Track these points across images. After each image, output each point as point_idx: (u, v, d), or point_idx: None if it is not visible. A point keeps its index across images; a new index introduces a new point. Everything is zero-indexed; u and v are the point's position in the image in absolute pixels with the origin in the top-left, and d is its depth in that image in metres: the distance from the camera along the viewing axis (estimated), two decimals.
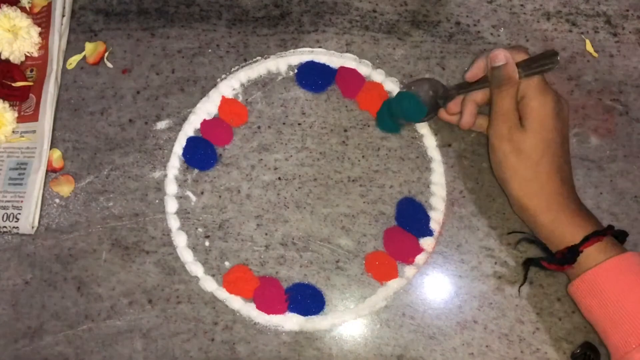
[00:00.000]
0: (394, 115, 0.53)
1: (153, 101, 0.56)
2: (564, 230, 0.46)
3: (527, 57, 0.48)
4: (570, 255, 0.46)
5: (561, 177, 0.47)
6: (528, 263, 0.50)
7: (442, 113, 0.53)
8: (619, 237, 0.48)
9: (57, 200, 0.53)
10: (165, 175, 0.54)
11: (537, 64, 0.48)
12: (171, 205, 0.53)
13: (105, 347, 0.50)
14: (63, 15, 0.58)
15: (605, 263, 0.44)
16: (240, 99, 0.56)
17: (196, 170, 0.54)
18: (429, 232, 0.52)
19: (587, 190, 0.53)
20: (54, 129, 0.55)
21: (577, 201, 0.48)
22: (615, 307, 0.43)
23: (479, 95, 0.51)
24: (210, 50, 0.57)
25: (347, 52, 0.57)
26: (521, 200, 0.48)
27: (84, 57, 0.57)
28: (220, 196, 0.53)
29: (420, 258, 0.51)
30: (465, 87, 0.51)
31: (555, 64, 0.47)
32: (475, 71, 0.50)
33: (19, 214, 0.52)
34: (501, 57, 0.47)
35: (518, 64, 0.48)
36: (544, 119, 0.47)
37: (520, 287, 0.50)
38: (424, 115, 0.52)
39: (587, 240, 0.45)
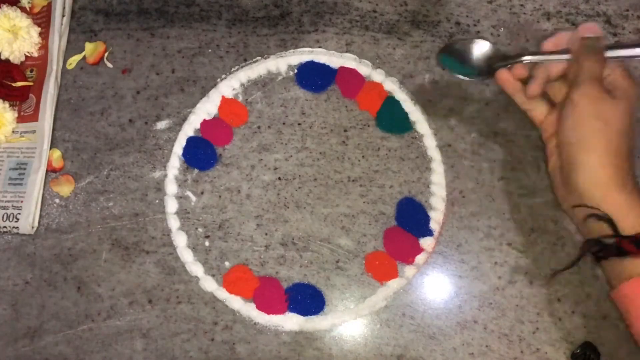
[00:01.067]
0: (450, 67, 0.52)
1: (153, 101, 0.56)
2: (629, 212, 0.42)
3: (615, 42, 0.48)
4: None
5: (632, 158, 0.44)
6: (589, 244, 0.44)
7: (503, 74, 0.49)
8: None
9: (57, 200, 0.53)
10: (165, 175, 0.54)
11: (626, 47, 0.46)
12: (171, 205, 0.53)
13: (105, 347, 0.50)
14: (63, 15, 0.58)
15: None
16: (240, 99, 0.56)
17: (196, 170, 0.54)
18: (429, 232, 0.52)
19: None
20: (54, 129, 0.55)
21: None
22: None
23: (554, 68, 0.48)
24: (210, 50, 0.57)
25: (347, 52, 0.57)
26: (595, 171, 0.43)
27: (84, 57, 0.57)
28: (220, 196, 0.53)
29: (420, 258, 0.51)
30: (536, 54, 0.48)
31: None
32: (557, 41, 0.48)
33: (19, 214, 0.52)
34: (596, 29, 0.46)
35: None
36: (633, 96, 0.45)
37: (563, 270, 0.47)
38: (473, 75, 0.51)
39: None
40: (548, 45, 0.48)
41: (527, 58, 0.48)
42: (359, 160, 0.54)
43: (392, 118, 0.55)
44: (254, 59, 0.57)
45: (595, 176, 0.43)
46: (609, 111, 0.44)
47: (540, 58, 0.48)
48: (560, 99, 0.48)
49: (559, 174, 0.47)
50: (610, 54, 0.46)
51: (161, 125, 0.55)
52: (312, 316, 0.50)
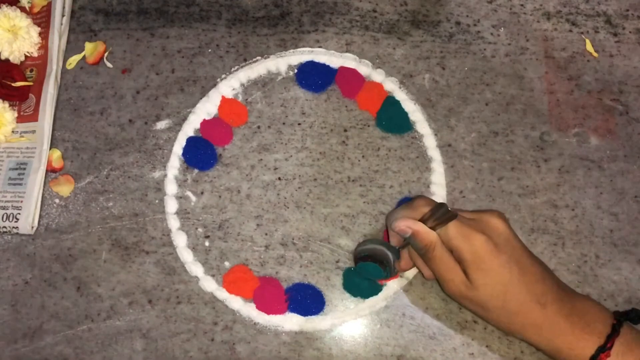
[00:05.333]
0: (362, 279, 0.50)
1: (153, 101, 0.56)
2: (576, 348, 0.42)
3: (431, 207, 0.44)
4: None
5: (538, 300, 0.42)
6: None
7: (400, 266, 0.48)
8: (633, 318, 0.44)
9: (56, 200, 0.53)
10: (165, 175, 0.54)
11: (441, 212, 0.43)
12: (171, 205, 0.53)
13: (105, 347, 0.49)
14: (63, 15, 0.58)
15: None
16: (240, 99, 0.56)
17: (196, 170, 0.54)
18: None
19: (587, 190, 0.53)
20: (53, 129, 0.55)
21: (572, 303, 0.43)
22: None
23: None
24: (210, 50, 0.57)
25: (347, 52, 0.57)
26: (517, 336, 0.45)
27: (84, 57, 0.57)
28: (220, 196, 0.53)
29: None
30: (401, 246, 0.47)
31: (452, 215, 0.42)
32: (395, 240, 0.47)
33: (19, 214, 0.52)
34: (405, 229, 0.44)
35: (426, 219, 0.44)
36: (484, 264, 0.42)
37: None
38: (387, 276, 0.48)
39: (602, 351, 0.41)
40: (394, 243, 0.48)
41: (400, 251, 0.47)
42: (359, 160, 0.54)
43: (392, 118, 0.55)
44: (254, 59, 0.57)
45: (521, 338, 0.45)
46: (478, 298, 0.43)
47: (402, 247, 0.47)
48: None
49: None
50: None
51: (161, 125, 0.55)
52: (312, 316, 0.50)
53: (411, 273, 0.51)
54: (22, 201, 0.52)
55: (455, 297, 0.45)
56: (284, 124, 0.55)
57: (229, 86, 0.56)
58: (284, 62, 0.56)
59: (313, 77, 0.56)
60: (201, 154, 0.54)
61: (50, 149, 0.54)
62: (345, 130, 0.55)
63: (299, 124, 0.55)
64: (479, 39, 0.57)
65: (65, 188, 0.53)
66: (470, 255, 0.43)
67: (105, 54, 0.57)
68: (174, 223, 0.52)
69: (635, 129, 0.55)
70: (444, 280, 0.44)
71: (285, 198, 0.53)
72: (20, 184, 0.53)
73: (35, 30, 0.56)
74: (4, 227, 0.52)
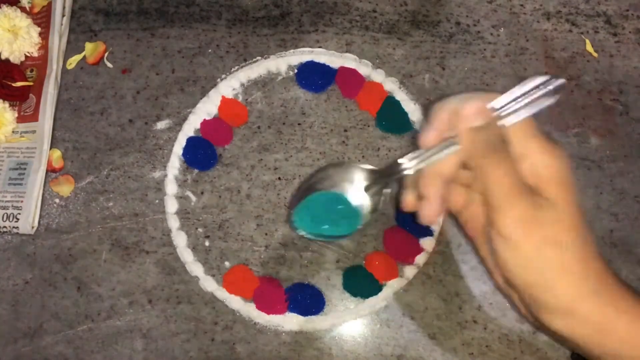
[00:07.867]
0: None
1: (153, 101, 0.56)
2: None
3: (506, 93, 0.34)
4: None
5: (602, 260, 0.34)
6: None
7: (407, 204, 0.37)
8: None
9: (57, 200, 0.53)
10: (165, 175, 0.54)
11: (529, 94, 0.33)
12: (171, 205, 0.53)
13: (105, 347, 0.50)
14: (63, 15, 0.58)
15: None
16: (240, 99, 0.56)
17: (196, 170, 0.54)
18: (429, 232, 0.52)
19: (587, 190, 0.53)
20: (54, 129, 0.55)
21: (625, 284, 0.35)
22: None
23: (446, 166, 0.34)
24: (210, 50, 0.57)
25: (347, 52, 0.57)
26: (576, 308, 0.33)
27: (84, 57, 0.57)
28: (220, 196, 0.53)
29: (420, 258, 0.51)
30: (416, 158, 0.35)
31: (560, 88, 0.33)
32: (437, 130, 0.35)
33: (19, 214, 0.52)
34: (477, 113, 0.32)
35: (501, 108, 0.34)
36: (568, 184, 0.33)
37: None
38: (360, 222, 0.36)
39: None
40: (428, 139, 0.35)
41: (405, 166, 0.34)
42: (359, 160, 0.54)
43: (392, 118, 0.55)
44: (254, 59, 0.57)
45: (578, 313, 0.33)
46: (555, 225, 0.33)
47: (423, 160, 0.34)
48: (479, 224, 0.37)
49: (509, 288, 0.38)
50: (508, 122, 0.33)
51: (161, 125, 0.55)
52: (312, 316, 0.50)
53: (411, 273, 0.51)
54: (22, 201, 0.52)
55: (521, 223, 0.33)
56: (284, 124, 0.55)
57: (229, 86, 0.56)
58: (284, 62, 0.56)
59: (313, 77, 0.56)
60: (201, 154, 0.54)
61: (50, 149, 0.54)
62: (345, 130, 0.55)
63: (299, 124, 0.55)
64: (479, 39, 0.57)
65: (65, 188, 0.53)
66: (556, 168, 0.33)
67: (106, 54, 0.57)
68: (174, 223, 0.52)
69: (635, 129, 0.55)
70: (509, 196, 0.32)
71: (285, 198, 0.53)
72: (21, 184, 0.53)
73: (35, 30, 0.56)
74: (4, 227, 0.52)
